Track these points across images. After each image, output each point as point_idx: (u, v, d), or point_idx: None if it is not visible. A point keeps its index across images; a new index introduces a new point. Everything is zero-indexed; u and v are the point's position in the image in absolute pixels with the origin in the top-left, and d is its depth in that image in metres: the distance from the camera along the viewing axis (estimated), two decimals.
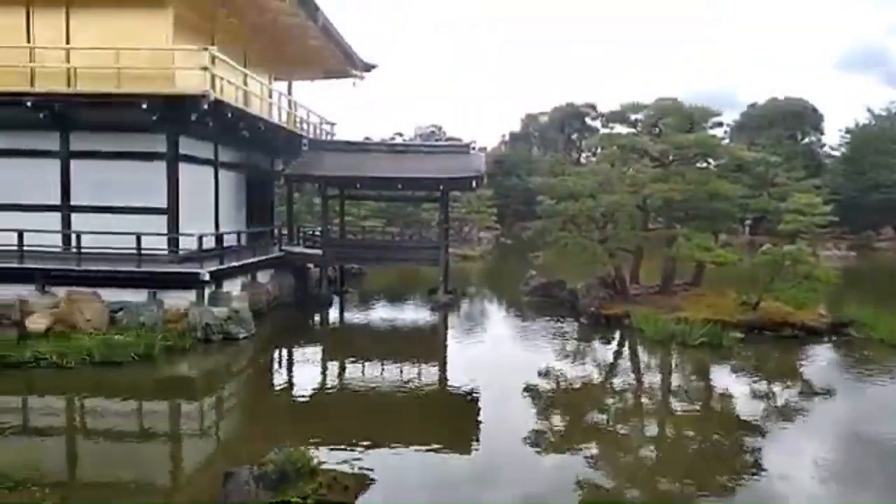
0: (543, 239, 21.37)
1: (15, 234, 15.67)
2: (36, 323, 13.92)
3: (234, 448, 9.20)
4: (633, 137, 21.22)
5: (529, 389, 11.84)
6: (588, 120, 78.17)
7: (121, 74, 15.55)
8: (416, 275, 26.56)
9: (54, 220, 16.56)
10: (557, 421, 10.49)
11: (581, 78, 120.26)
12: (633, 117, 21.83)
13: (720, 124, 24.04)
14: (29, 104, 15.39)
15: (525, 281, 23.62)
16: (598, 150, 27.07)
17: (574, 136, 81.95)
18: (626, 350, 16.11)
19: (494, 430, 9.64)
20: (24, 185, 16.57)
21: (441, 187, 21.13)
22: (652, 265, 21.30)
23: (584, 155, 72.66)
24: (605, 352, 15.86)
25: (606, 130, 23.64)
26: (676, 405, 11.57)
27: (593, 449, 9.02)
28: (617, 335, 16.94)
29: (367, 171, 20.61)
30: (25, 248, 15.75)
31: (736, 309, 17.22)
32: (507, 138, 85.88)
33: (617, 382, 12.95)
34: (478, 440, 9.36)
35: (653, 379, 13.68)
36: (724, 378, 13.25)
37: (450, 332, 18.23)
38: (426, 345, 17.03)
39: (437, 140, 64.17)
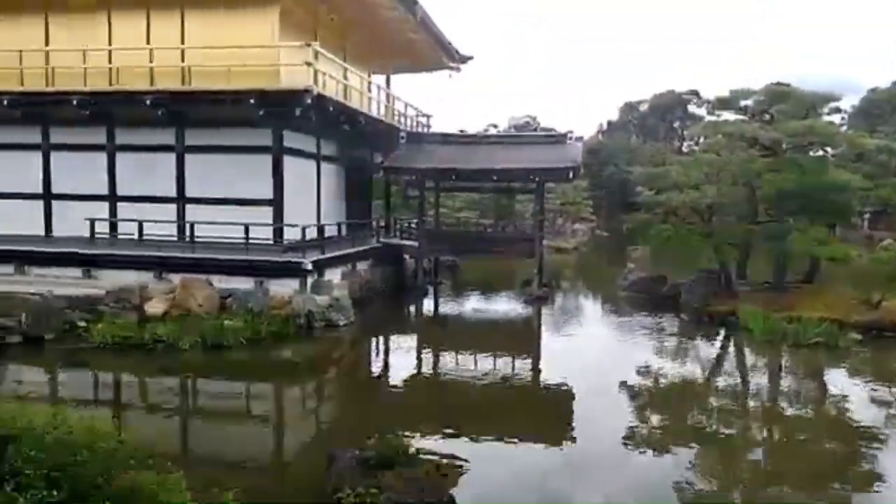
0: (643, 232, 20.75)
1: (136, 224, 16.81)
2: (154, 307, 14.88)
3: (335, 431, 9.54)
4: (741, 125, 20.19)
5: (626, 386, 11.54)
6: (691, 107, 75.08)
7: (230, 72, 16.31)
8: (510, 267, 26.46)
9: (170, 211, 17.61)
10: (656, 420, 10.18)
11: (683, 65, 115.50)
12: (741, 104, 20.76)
13: (838, 110, 22.47)
14: (148, 102, 16.42)
15: (623, 275, 23.03)
16: (703, 139, 25.89)
17: (676, 125, 78.95)
18: (731, 349, 15.42)
19: (588, 426, 9.47)
20: (144, 179, 17.74)
21: (536, 178, 20.91)
22: (761, 261, 20.24)
23: (686, 144, 69.83)
24: (709, 350, 15.23)
25: (712, 118, 22.61)
26: (786, 408, 10.94)
27: (694, 451, 8.68)
28: (722, 333, 16.22)
29: (462, 163, 20.71)
30: (144, 237, 16.86)
31: (854, 308, 16.08)
32: (604, 127, 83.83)
33: (721, 382, 12.41)
34: (571, 435, 9.22)
35: (761, 380, 13.00)
36: (839, 381, 12.42)
37: (543, 326, 18.07)
38: (519, 337, 16.95)
39: (531, 131, 63.62)
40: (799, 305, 16.38)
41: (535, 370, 13.43)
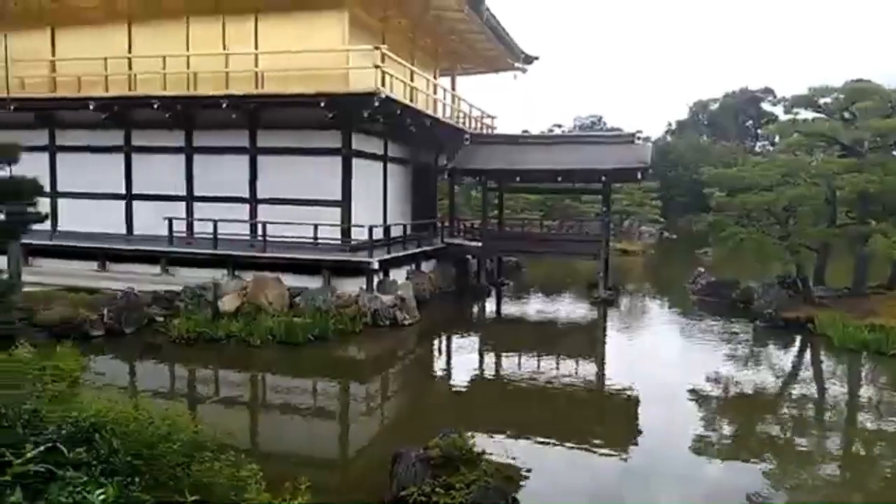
0: (714, 234, 20.14)
1: (211, 224, 17.46)
2: (227, 304, 15.43)
3: (399, 429, 9.67)
4: (820, 123, 19.34)
5: (695, 393, 11.24)
6: (765, 106, 72.40)
7: (301, 75, 16.73)
8: (575, 269, 26.17)
9: (243, 211, 18.20)
10: (726, 429, 9.88)
11: (756, 61, 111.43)
12: (820, 101, 19.88)
13: None
14: (224, 105, 17.03)
15: (692, 278, 22.41)
16: (778, 139, 24.93)
17: (748, 124, 76.28)
18: (807, 357, 14.80)
19: (655, 433, 9.27)
20: (219, 180, 18.39)
21: (603, 179, 20.59)
22: (840, 265, 19.34)
23: (759, 144, 67.45)
24: (784, 358, 14.66)
25: (788, 116, 21.72)
26: (867, 421, 10.43)
27: (767, 462, 8.37)
28: (797, 341, 15.57)
29: (527, 164, 20.62)
30: (219, 236, 17.48)
31: None
32: (672, 127, 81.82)
33: (796, 392, 11.93)
34: (636, 441, 9.05)
35: (840, 390, 12.41)
36: None
37: (609, 329, 17.78)
38: (584, 340, 16.75)
39: (598, 130, 62.70)
40: (881, 312, 15.57)
41: (600, 374, 13.24)
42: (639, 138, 21.64)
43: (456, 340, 16.17)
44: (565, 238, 25.29)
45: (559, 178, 21.84)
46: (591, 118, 73.83)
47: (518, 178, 22.22)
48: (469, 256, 22.88)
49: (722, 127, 77.90)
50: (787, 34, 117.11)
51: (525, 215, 34.86)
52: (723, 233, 18.95)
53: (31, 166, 13.29)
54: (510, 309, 20.46)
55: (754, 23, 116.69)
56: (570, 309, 20.15)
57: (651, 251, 39.89)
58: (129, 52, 18.64)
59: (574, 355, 14.11)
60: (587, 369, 13.49)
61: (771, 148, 50.61)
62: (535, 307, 20.50)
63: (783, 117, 24.13)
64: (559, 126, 67.65)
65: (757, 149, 63.78)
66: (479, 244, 21.88)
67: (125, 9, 18.57)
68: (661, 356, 14.64)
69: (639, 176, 20.53)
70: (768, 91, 71.00)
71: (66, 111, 19.13)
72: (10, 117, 18.19)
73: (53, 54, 19.38)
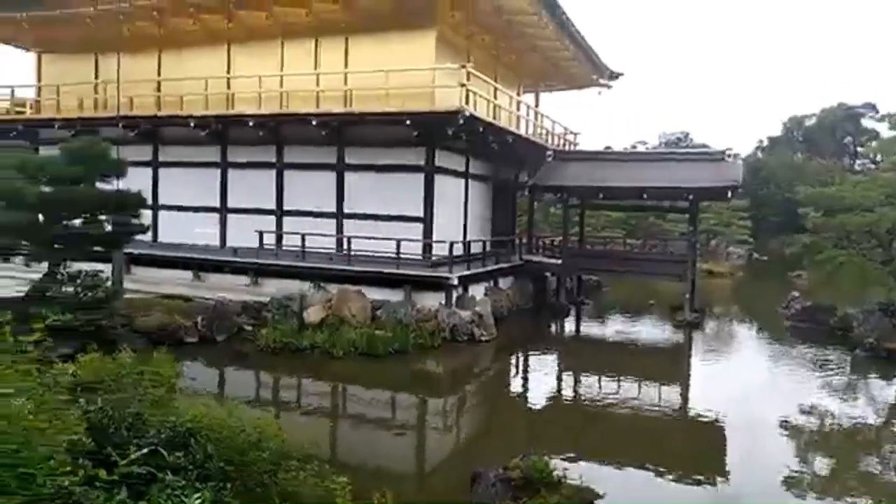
0: (810, 257, 19.16)
1: (298, 237, 18.07)
2: (312, 315, 15.87)
3: (477, 446, 9.66)
4: None
5: (787, 424, 10.68)
6: (866, 122, 68.37)
7: (388, 94, 17.15)
8: (658, 289, 25.44)
9: (330, 225, 18.74)
10: (821, 463, 9.35)
11: (856, 76, 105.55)
12: None
13: None
14: (314, 123, 17.65)
15: (785, 303, 21.35)
16: (881, 156, 23.55)
17: (847, 141, 72.21)
18: None
19: (742, 463, 8.87)
20: (307, 194, 19.04)
21: (690, 198, 20.00)
22: None
23: (859, 162, 63.71)
24: (886, 390, 13.73)
25: (893, 133, 20.50)
26: None
27: (867, 501, 7.86)
28: None
29: (610, 181, 20.29)
30: (306, 249, 18.06)
31: None
32: (764, 143, 78.45)
33: None
34: (722, 471, 8.68)
35: None
36: None
37: (694, 354, 17.18)
38: (667, 364, 16.23)
39: (684, 147, 60.97)
40: None
41: (685, 399, 12.80)
42: (729, 155, 20.90)
43: (534, 359, 16.03)
44: (649, 257, 24.57)
45: (644, 196, 21.34)
46: (677, 134, 71.80)
47: (601, 196, 21.88)
48: (548, 274, 22.67)
49: (818, 144, 73.99)
50: (889, 47, 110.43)
51: (607, 233, 34.22)
52: (819, 255, 18.01)
53: (136, 180, 14.34)
54: (590, 329, 20.11)
55: (853, 35, 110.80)
56: (653, 331, 19.60)
57: (740, 273, 38.32)
58: (228, 72, 19.66)
59: (657, 379, 13.70)
60: (671, 394, 13.07)
61: (872, 166, 47.71)
62: (616, 328, 20.06)
63: (886, 134, 22.80)
64: (643, 142, 66.06)
65: (856, 167, 60.30)
66: (559, 262, 21.64)
67: (225, 32, 19.62)
68: (750, 383, 13.99)
69: (728, 195, 19.83)
70: (869, 106, 66.93)
71: (168, 128, 20.32)
72: (119, 133, 19.44)
73: (159, 75, 20.68)
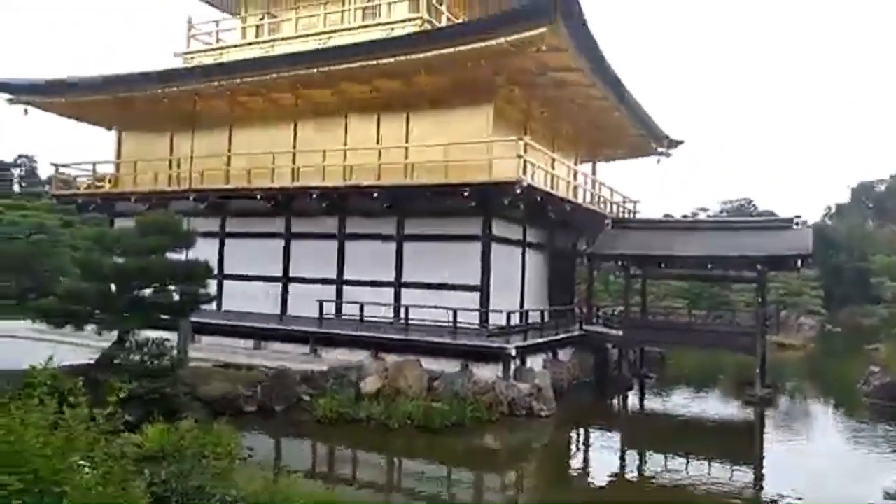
0: (887, 329, 18.10)
1: (357, 306, 18.23)
2: (369, 385, 15.81)
3: None
4: None
5: None
6: None
7: (447, 165, 17.46)
8: (725, 362, 24.40)
9: (388, 294, 18.86)
10: None
11: None
12: None
13: None
14: (375, 195, 18.06)
15: (864, 378, 20.11)
16: None
17: None
18: None
19: None
20: (366, 264, 19.32)
21: (758, 267, 19.35)
22: None
23: None
24: None
25: None
26: None
27: None
28: None
29: (672, 250, 19.90)
30: (364, 318, 18.16)
31: None
32: (832, 210, 76.13)
33: None
34: None
35: None
36: None
37: (767, 432, 16.23)
38: (738, 443, 15.35)
39: (747, 214, 59.66)
40: None
41: (758, 481, 12.02)
42: (797, 223, 20.26)
43: (596, 435, 15.44)
44: (715, 329, 23.59)
45: (708, 266, 20.81)
46: (740, 201, 70.41)
47: (662, 265, 21.43)
48: (609, 345, 22.07)
49: (890, 210, 71.31)
50: None
51: (669, 303, 33.30)
52: None
53: (204, 250, 14.87)
54: (654, 404, 19.33)
55: None
56: (721, 407, 18.69)
57: (812, 345, 36.47)
58: (294, 146, 20.47)
59: (728, 459, 12.95)
60: (743, 475, 12.30)
61: None
62: (681, 403, 19.22)
63: None
64: (704, 209, 65.01)
65: None
66: (620, 332, 21.08)
67: (292, 109, 20.53)
68: (829, 465, 13.06)
69: (798, 264, 19.11)
70: None
71: (236, 200, 21.11)
72: (189, 206, 20.37)
73: (229, 150, 21.69)
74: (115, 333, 12.96)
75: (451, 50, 16.15)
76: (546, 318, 20.71)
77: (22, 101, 23.16)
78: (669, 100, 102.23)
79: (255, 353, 18.22)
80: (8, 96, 23.15)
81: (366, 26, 20.69)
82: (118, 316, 12.65)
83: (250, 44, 23.03)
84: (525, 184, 16.30)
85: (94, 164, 24.69)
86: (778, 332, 34.19)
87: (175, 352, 13.40)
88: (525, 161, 16.96)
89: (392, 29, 19.88)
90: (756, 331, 19.30)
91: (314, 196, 19.03)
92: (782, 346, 32.30)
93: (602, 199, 24.95)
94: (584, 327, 21.97)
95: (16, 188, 58.18)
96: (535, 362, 17.62)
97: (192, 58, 23.62)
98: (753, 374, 18.86)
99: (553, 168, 20.32)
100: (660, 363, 25.38)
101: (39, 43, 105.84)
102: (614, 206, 25.71)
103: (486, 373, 15.99)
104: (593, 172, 26.85)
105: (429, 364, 16.30)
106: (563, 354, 19.95)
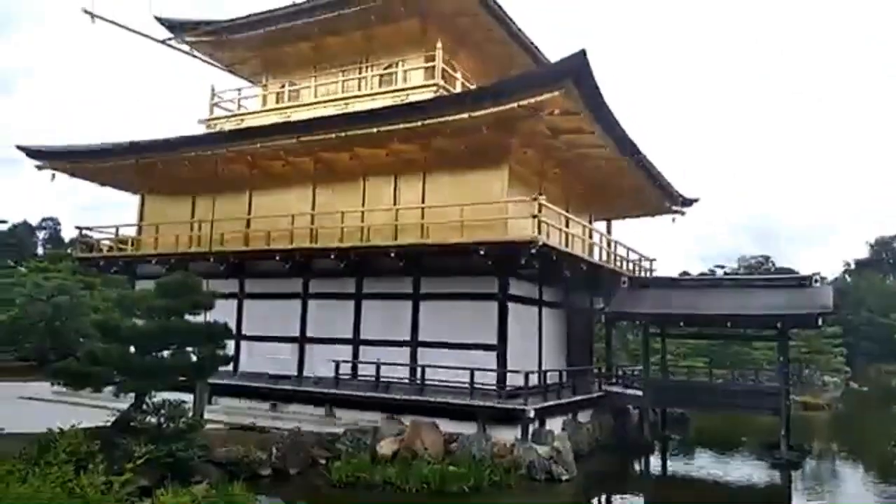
0: None
1: (373, 366, 18.14)
2: (385, 447, 15.57)
3: None
4: None
5: None
6: None
7: (463, 225, 17.63)
8: (748, 423, 23.80)
9: (404, 354, 18.78)
10: None
11: None
12: None
13: None
14: (393, 255, 18.22)
15: (894, 440, 19.48)
16: None
17: None
18: None
19: None
20: (382, 323, 19.33)
21: (779, 325, 19.10)
22: None
23: None
24: None
25: None
26: None
27: None
28: None
29: (691, 308, 19.76)
30: (380, 378, 18.04)
31: None
32: (851, 266, 75.41)
33: None
34: None
35: None
36: None
37: (795, 496, 15.68)
38: None
39: (765, 272, 59.24)
40: None
41: None
42: (816, 280, 20.09)
43: (618, 502, 14.99)
44: (738, 389, 23.08)
45: (728, 324, 20.59)
46: (758, 258, 70.03)
47: (681, 323, 21.23)
48: (629, 406, 21.66)
49: None
50: None
51: (689, 362, 32.81)
52: None
53: (222, 310, 15.00)
54: (678, 467, 18.80)
55: None
56: (747, 471, 18.10)
57: (838, 405, 35.54)
58: (313, 208, 20.81)
59: None
60: None
61: None
62: (706, 466, 18.68)
63: None
64: (721, 267, 64.70)
65: None
66: (640, 393, 20.72)
67: (311, 172, 20.97)
68: None
69: (819, 322, 18.87)
70: None
71: (255, 262, 21.34)
72: (209, 268, 20.61)
73: (249, 212, 22.07)
74: (132, 395, 12.97)
75: (465, 115, 16.55)
76: (564, 379, 20.46)
77: (49, 167, 23.89)
78: (684, 156, 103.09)
79: (271, 415, 18.09)
80: (37, 163, 23.88)
81: (382, 92, 21.36)
82: (136, 378, 12.68)
83: (271, 110, 23.75)
84: (540, 243, 16.37)
85: (116, 227, 25.19)
86: (801, 392, 33.51)
87: (191, 414, 13.38)
88: (540, 220, 17.08)
89: (408, 95, 20.48)
90: (779, 391, 18.92)
91: (332, 257, 19.21)
92: (806, 405, 31.53)
93: (618, 258, 24.93)
94: (604, 388, 21.65)
95: (40, 250, 59.39)
96: (555, 424, 17.30)
97: (215, 124, 24.36)
98: (778, 436, 18.40)
99: (568, 227, 20.42)
100: (682, 424, 24.81)
101: (67, 110, 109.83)
102: (630, 265, 25.65)
103: (505, 435, 15.74)
104: (608, 231, 26.92)
105: (445, 426, 16.08)
106: (583, 416, 19.60)
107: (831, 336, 40.48)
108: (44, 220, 69.79)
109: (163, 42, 24.38)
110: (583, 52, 15.18)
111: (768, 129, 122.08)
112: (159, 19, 24.54)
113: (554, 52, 21.75)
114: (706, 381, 25.78)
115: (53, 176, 24.04)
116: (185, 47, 24.84)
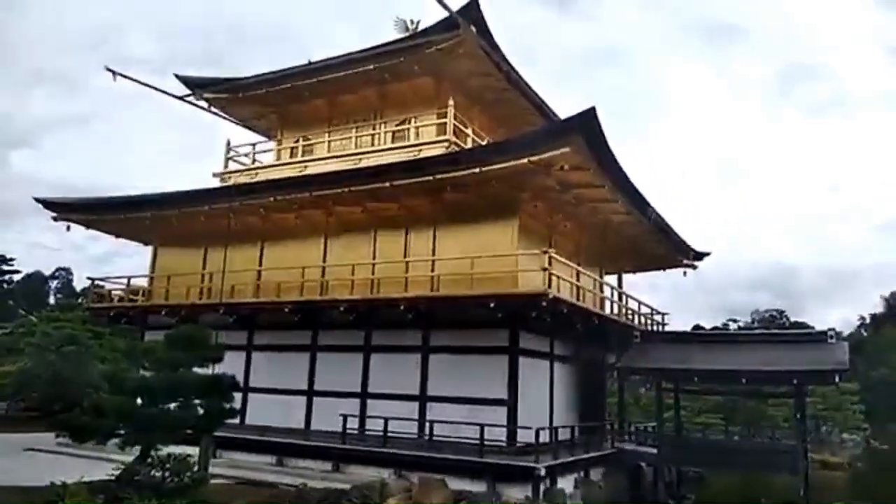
0: None
1: (381, 421, 17.87)
2: None
3: None
4: None
5: None
6: None
7: (473, 278, 17.61)
8: (767, 481, 23.07)
9: (412, 408, 18.49)
10: None
11: None
12: None
13: None
14: (402, 307, 18.16)
15: None
16: None
17: None
18: None
19: None
20: (391, 377, 19.12)
21: (795, 382, 18.75)
22: None
23: None
24: None
25: None
26: None
27: None
28: None
29: (705, 364, 19.46)
30: (388, 433, 17.74)
31: None
32: (866, 321, 74.35)
33: None
34: None
35: None
36: None
37: None
38: None
39: (779, 326, 58.57)
40: None
41: None
42: (832, 336, 19.81)
43: None
44: (755, 448, 22.53)
45: (744, 381, 20.23)
46: (772, 312, 69.34)
47: (695, 379, 20.88)
48: (643, 464, 21.13)
49: None
50: None
51: (703, 418, 32.11)
52: None
53: (230, 362, 14.89)
54: None
55: None
56: None
57: (858, 463, 34.48)
58: (324, 260, 20.89)
59: None
60: None
61: None
62: None
63: None
64: (734, 321, 64.10)
65: None
66: (654, 450, 20.24)
67: (322, 225, 21.14)
68: None
69: (836, 378, 18.53)
70: None
71: (264, 313, 21.32)
72: (218, 319, 20.59)
73: (260, 264, 22.17)
74: (138, 447, 12.80)
75: (476, 170, 16.74)
76: (576, 435, 20.04)
77: (65, 219, 24.24)
78: (694, 210, 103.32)
79: (277, 470, 17.76)
80: (53, 214, 24.25)
81: (395, 148, 21.67)
82: (142, 431, 12.53)
83: (285, 164, 24.12)
84: (551, 296, 16.31)
85: (128, 278, 25.36)
86: (820, 450, 32.61)
87: (196, 468, 13.15)
88: (550, 273, 17.06)
89: (420, 150, 20.78)
90: (797, 449, 18.44)
91: (342, 309, 19.17)
92: (826, 464, 30.63)
93: (629, 311, 24.74)
94: (617, 444, 21.19)
95: (52, 300, 59.78)
96: (566, 482, 16.88)
97: (230, 177, 24.73)
98: (798, 496, 17.83)
99: (578, 280, 20.37)
100: (698, 482, 24.12)
101: (84, 162, 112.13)
102: (642, 318, 25.44)
103: (515, 493, 15.35)
104: (619, 284, 26.81)
105: (454, 483, 15.69)
106: (595, 474, 19.10)
107: (849, 392, 39.63)
108: (57, 269, 70.55)
109: (181, 98, 25.07)
110: (592, 109, 15.42)
111: (783, 180, 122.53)
112: (179, 77, 25.25)
113: (563, 105, 22.16)
114: (722, 438, 25.20)
115: (69, 227, 24.40)
116: (203, 103, 25.47)
